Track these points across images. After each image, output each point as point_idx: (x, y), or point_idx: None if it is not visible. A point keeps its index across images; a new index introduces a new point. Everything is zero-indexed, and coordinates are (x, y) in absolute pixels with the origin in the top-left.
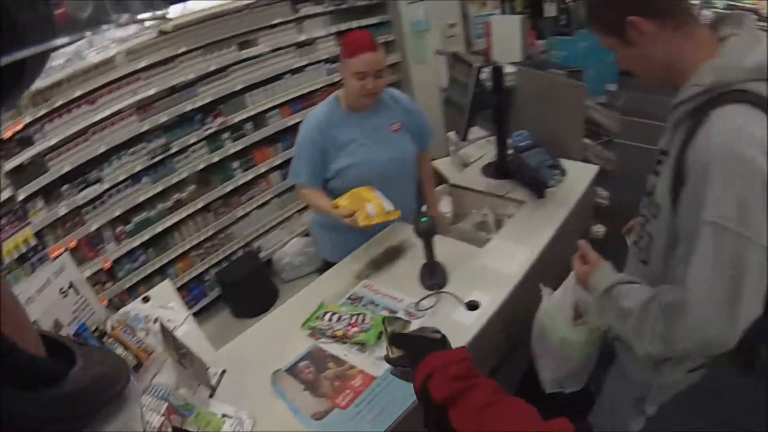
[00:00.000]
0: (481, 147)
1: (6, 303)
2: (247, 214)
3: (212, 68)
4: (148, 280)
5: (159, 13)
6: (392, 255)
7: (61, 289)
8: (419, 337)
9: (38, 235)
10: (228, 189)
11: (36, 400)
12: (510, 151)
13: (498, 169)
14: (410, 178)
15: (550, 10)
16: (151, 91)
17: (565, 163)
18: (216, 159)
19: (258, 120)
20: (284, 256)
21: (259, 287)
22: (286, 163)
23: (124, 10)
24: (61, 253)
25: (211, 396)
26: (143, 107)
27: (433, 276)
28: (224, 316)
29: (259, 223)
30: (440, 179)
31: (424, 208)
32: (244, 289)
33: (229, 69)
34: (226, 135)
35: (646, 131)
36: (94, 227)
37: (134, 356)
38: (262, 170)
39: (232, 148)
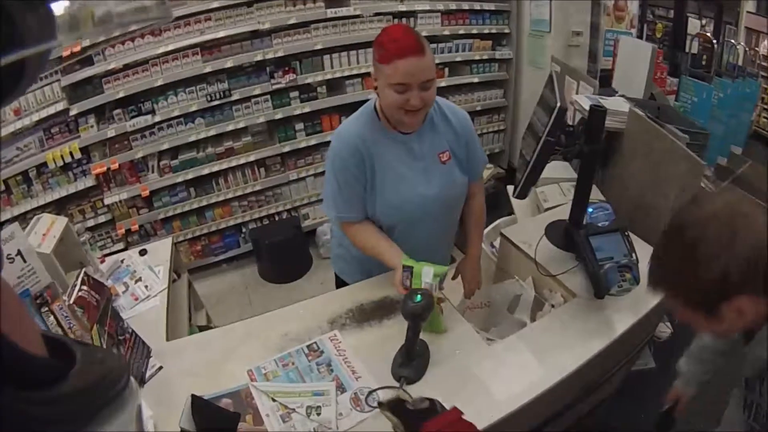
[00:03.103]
0: (570, 190)
1: (7, 304)
2: (301, 179)
3: (292, 21)
4: (185, 217)
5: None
6: (386, 309)
7: (8, 255)
8: (411, 411)
9: (85, 150)
10: (286, 149)
11: (36, 399)
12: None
13: (566, 236)
14: (457, 220)
15: (693, 46)
16: (220, 34)
17: (647, 257)
18: (279, 116)
19: (334, 85)
20: (328, 232)
21: (292, 256)
22: None
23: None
24: (103, 169)
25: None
26: (209, 49)
27: (406, 366)
28: (250, 273)
29: (312, 191)
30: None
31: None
32: (276, 253)
33: (311, 25)
34: (294, 94)
35: None
36: (139, 155)
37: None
38: (328, 138)
39: (298, 108)
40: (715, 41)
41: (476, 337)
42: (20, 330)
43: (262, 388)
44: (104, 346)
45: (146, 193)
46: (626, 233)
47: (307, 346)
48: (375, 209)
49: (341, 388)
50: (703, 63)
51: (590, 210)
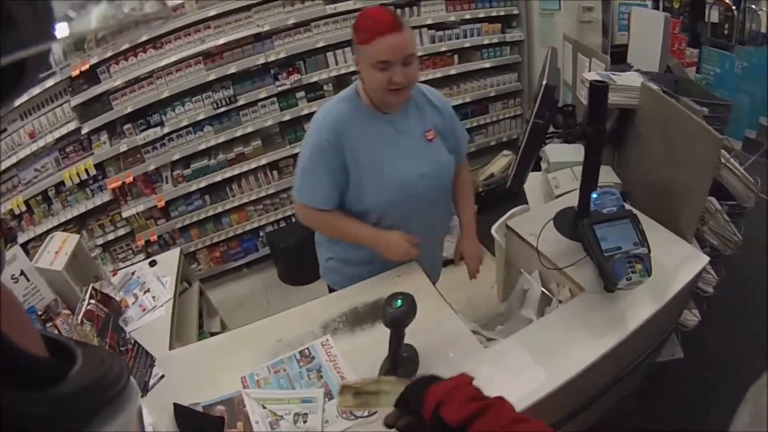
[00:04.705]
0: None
1: (6, 302)
2: None
3: (292, 22)
4: (202, 225)
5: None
6: (380, 311)
7: (12, 275)
8: (412, 384)
9: (100, 166)
10: (297, 150)
11: (36, 400)
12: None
13: (574, 226)
14: (449, 201)
15: (713, 14)
16: (220, 41)
17: (666, 243)
18: (287, 117)
19: (341, 82)
20: None
21: (309, 257)
22: None
23: None
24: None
25: (141, 396)
26: (211, 56)
27: (392, 375)
28: (270, 276)
29: None
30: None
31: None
32: (293, 255)
33: (311, 24)
34: (300, 94)
35: None
36: (152, 167)
37: None
38: None
39: (306, 108)
40: (735, 8)
41: (471, 338)
42: (20, 330)
43: (252, 395)
44: None
45: (162, 203)
46: (636, 220)
47: (299, 352)
48: (364, 196)
49: (329, 395)
50: (725, 32)
51: (594, 196)
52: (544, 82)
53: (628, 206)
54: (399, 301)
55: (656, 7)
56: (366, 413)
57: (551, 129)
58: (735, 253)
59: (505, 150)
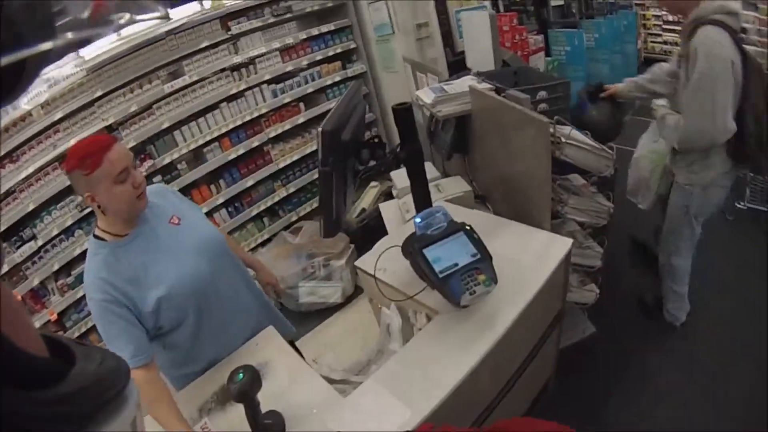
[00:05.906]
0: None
1: (6, 303)
2: None
3: (134, 108)
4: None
5: (160, 13)
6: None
7: None
8: None
9: None
10: None
11: (36, 400)
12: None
13: None
14: (236, 262)
15: None
16: (71, 142)
17: (523, 238)
18: None
19: (196, 156)
20: None
21: None
22: (231, 200)
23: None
24: None
25: None
26: (66, 159)
27: None
28: None
29: None
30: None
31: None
32: None
33: (153, 106)
34: (157, 178)
35: None
36: (36, 282)
37: None
38: (204, 211)
39: None
40: None
41: (329, 390)
42: (20, 330)
43: None
44: None
45: (54, 316)
46: (471, 230)
47: None
48: (163, 314)
49: None
50: (573, 11)
51: (417, 220)
52: (320, 129)
53: (487, 211)
54: (240, 374)
55: (496, 7)
56: None
57: (362, 166)
58: (608, 220)
59: (372, 182)
